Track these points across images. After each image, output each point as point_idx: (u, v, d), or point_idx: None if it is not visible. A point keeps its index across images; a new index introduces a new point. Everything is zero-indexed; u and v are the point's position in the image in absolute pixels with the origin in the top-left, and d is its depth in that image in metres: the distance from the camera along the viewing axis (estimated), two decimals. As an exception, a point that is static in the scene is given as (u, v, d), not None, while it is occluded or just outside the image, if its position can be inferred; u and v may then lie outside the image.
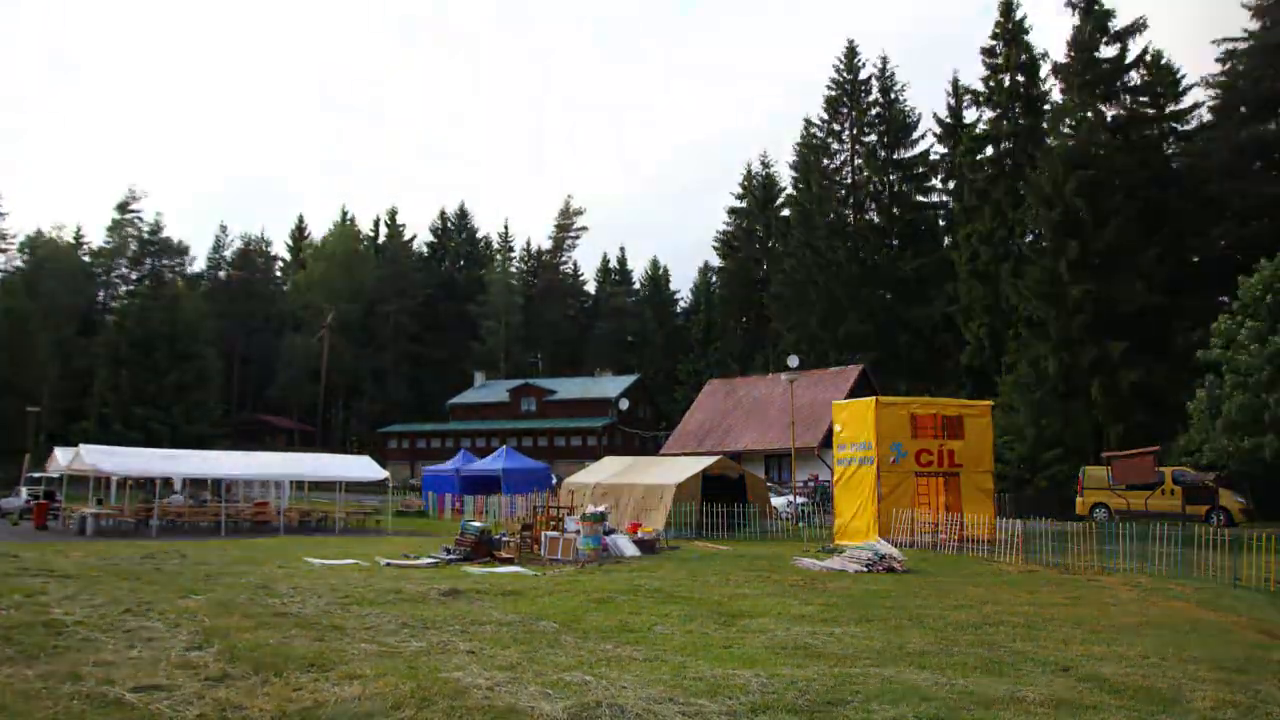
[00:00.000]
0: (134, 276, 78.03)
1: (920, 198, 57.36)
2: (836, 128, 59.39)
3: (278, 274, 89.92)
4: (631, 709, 5.90)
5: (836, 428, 23.67)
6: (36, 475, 33.59)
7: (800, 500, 30.96)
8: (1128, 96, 43.44)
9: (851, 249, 56.35)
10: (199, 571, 14.28)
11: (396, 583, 13.13)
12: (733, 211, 70.26)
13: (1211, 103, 41.12)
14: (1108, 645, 8.79)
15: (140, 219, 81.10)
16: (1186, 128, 42.72)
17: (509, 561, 17.51)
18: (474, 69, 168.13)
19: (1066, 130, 41.65)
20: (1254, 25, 38.75)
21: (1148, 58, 42.74)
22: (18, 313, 58.43)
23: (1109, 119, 42.84)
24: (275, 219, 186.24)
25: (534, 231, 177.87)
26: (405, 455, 62.77)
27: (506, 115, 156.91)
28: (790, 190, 65.03)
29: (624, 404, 60.69)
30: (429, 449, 61.86)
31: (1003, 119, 47.31)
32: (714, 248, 74.36)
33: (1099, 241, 37.70)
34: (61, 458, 27.94)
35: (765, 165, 70.63)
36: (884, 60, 59.31)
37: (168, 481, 30.28)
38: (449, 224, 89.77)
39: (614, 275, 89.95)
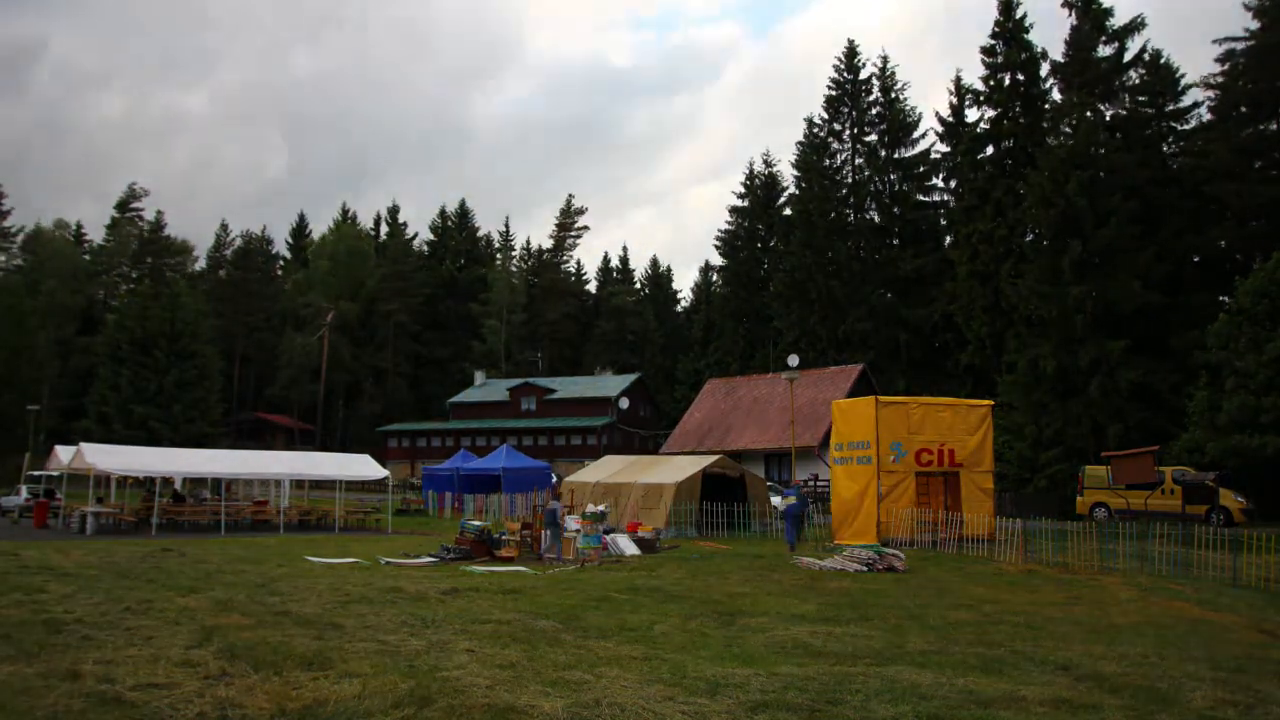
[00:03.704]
0: (134, 275, 78.09)
1: (921, 197, 57.28)
2: (837, 127, 59.38)
3: (278, 273, 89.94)
4: (631, 707, 5.90)
5: (836, 427, 23.66)
6: (37, 474, 33.59)
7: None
8: (1127, 96, 43.45)
9: (852, 248, 56.35)
10: (199, 570, 14.29)
11: (396, 581, 13.12)
12: (734, 210, 70.27)
13: (1211, 103, 41.12)
14: (1108, 645, 8.79)
15: (141, 217, 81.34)
16: (1186, 127, 42.72)
17: (509, 560, 17.52)
18: (474, 67, 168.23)
19: (1066, 130, 41.64)
20: (1254, 25, 38.72)
21: (1146, 57, 42.74)
22: (18, 311, 58.48)
23: (1108, 118, 42.84)
24: (276, 217, 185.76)
25: (535, 230, 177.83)
26: (405, 454, 62.77)
27: (508, 113, 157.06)
28: (792, 190, 65.06)
29: (624, 403, 60.68)
30: (429, 448, 61.87)
31: (1003, 118, 47.26)
32: (715, 247, 74.39)
33: (1098, 241, 37.71)
34: (62, 456, 27.92)
35: (767, 164, 70.69)
36: (884, 59, 59.33)
37: (167, 480, 30.27)
38: (450, 223, 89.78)
39: (614, 275, 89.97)
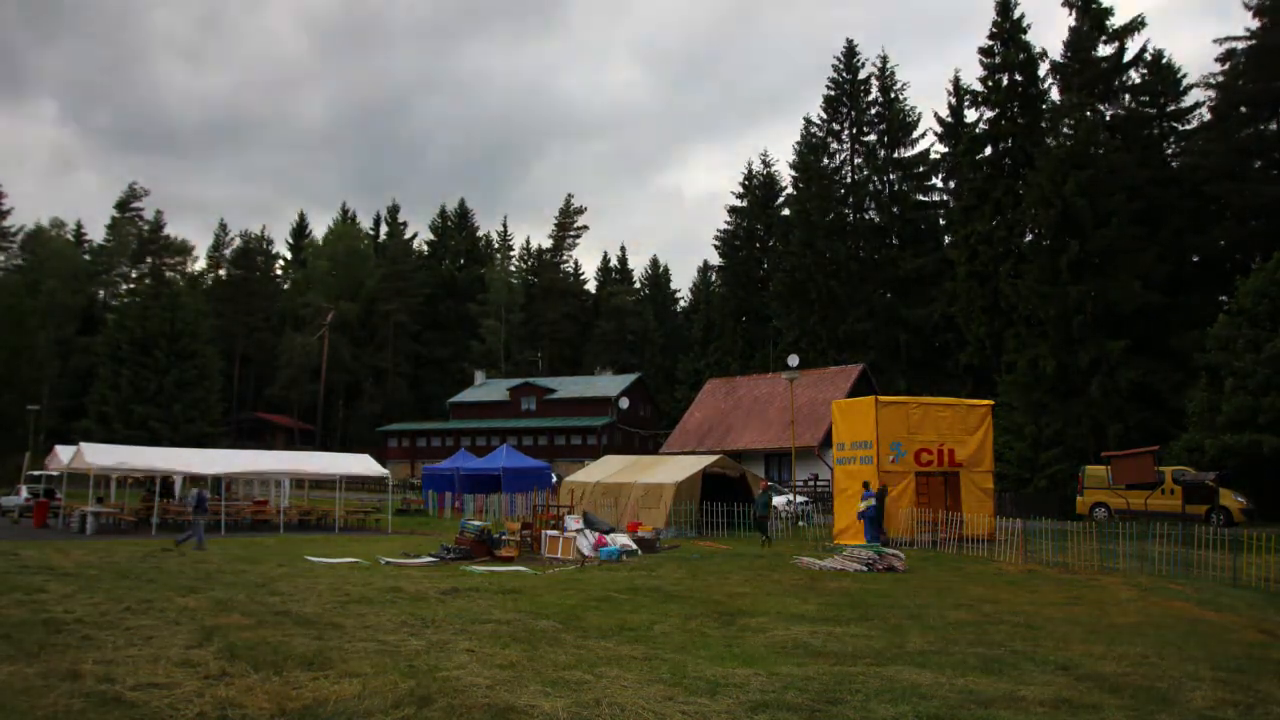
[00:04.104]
0: (134, 275, 78.11)
1: (920, 197, 57.33)
2: (836, 127, 59.42)
3: (278, 273, 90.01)
4: (631, 707, 5.90)
5: (836, 427, 23.65)
6: (37, 473, 33.59)
7: (800, 500, 30.95)
8: (1127, 96, 43.45)
9: (851, 248, 56.37)
10: (199, 570, 14.29)
11: (396, 581, 13.12)
12: (733, 211, 70.36)
13: (1211, 103, 41.13)
14: (1107, 645, 8.79)
15: (141, 217, 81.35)
16: (1186, 127, 42.74)
17: (509, 560, 17.52)
18: (476, 67, 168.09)
19: (1066, 130, 41.65)
20: (1254, 25, 38.74)
21: (1147, 57, 42.75)
22: (18, 311, 58.46)
23: (1108, 118, 42.85)
24: (276, 217, 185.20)
25: (534, 230, 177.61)
26: (405, 454, 62.77)
27: (509, 114, 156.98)
28: (790, 190, 65.11)
29: (624, 403, 60.70)
30: (429, 448, 61.87)
31: (1002, 118, 47.27)
32: (714, 247, 74.48)
33: (1098, 241, 37.71)
34: (62, 456, 27.92)
35: (766, 165, 70.80)
36: (883, 60, 59.36)
37: (167, 480, 30.27)
38: (449, 222, 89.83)
39: (614, 274, 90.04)
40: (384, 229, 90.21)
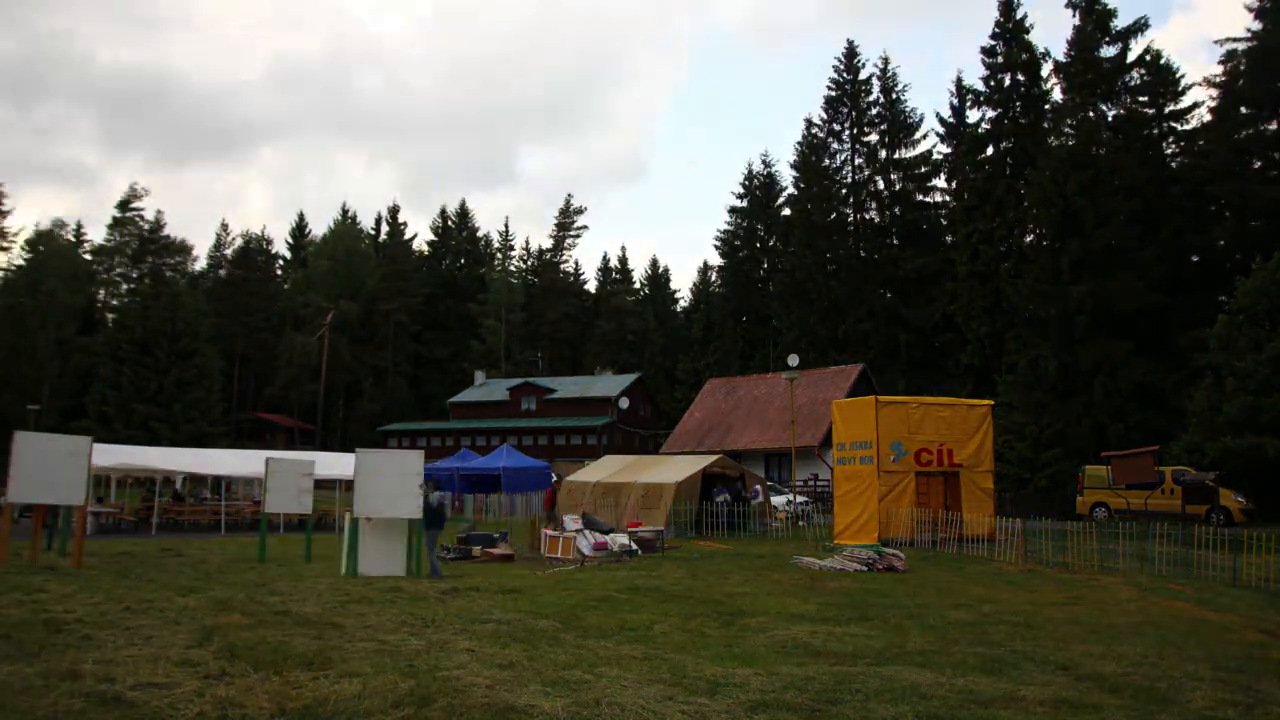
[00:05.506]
0: (135, 275, 78.15)
1: (921, 197, 57.41)
2: (837, 127, 59.50)
3: (278, 272, 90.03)
4: (631, 707, 5.89)
5: (836, 427, 23.63)
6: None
7: (800, 499, 30.93)
8: (1128, 96, 43.51)
9: (852, 248, 56.43)
10: (198, 570, 14.30)
11: (396, 581, 13.12)
12: (733, 211, 70.47)
13: (1211, 103, 41.21)
14: (1107, 645, 8.78)
15: (141, 217, 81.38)
16: (1186, 127, 42.83)
17: (509, 560, 17.53)
18: (475, 67, 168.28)
19: (1067, 130, 41.69)
20: (1255, 25, 38.77)
21: (1148, 57, 42.81)
22: (18, 311, 58.53)
23: (1109, 118, 42.89)
24: (277, 217, 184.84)
25: (535, 230, 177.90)
26: (405, 454, 62.75)
27: (509, 115, 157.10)
28: (791, 190, 65.20)
29: (624, 403, 60.70)
30: (429, 448, 61.88)
31: (1003, 118, 47.33)
32: (714, 247, 74.55)
33: (1099, 241, 37.73)
34: (62, 456, 27.88)
35: (766, 165, 70.94)
36: (885, 60, 59.50)
37: (168, 480, 30.29)
38: (450, 222, 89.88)
39: (614, 274, 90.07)
40: (384, 229, 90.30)
